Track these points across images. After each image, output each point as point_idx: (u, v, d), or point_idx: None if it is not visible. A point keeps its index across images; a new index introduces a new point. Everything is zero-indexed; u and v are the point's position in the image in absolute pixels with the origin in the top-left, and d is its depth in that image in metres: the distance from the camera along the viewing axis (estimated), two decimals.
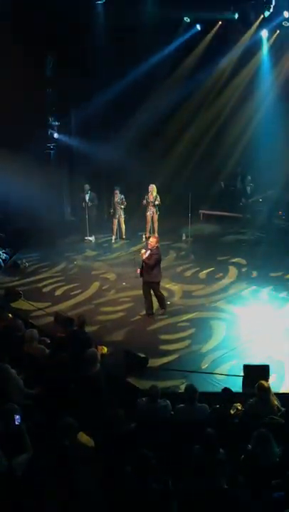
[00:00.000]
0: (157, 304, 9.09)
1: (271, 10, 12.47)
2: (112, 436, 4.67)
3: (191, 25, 14.13)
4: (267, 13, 12.69)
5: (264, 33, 13.71)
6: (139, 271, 8.94)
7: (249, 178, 13.47)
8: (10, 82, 11.96)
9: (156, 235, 13.23)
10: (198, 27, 14.20)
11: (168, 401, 5.57)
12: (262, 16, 13.01)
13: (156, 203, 12.91)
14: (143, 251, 8.95)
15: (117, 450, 4.45)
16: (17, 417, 4.20)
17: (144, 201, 13.00)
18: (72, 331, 7.42)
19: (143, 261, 8.77)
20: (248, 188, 13.44)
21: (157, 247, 8.90)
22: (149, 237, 9.70)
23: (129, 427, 4.97)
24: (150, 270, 8.73)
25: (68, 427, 4.33)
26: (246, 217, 13.63)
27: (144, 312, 9.03)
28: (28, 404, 5.43)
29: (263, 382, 5.56)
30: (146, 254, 8.76)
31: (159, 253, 8.93)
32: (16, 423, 4.19)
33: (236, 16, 13.20)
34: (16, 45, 12.01)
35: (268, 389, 5.49)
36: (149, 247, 8.89)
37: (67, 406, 5.04)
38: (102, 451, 4.44)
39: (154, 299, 9.05)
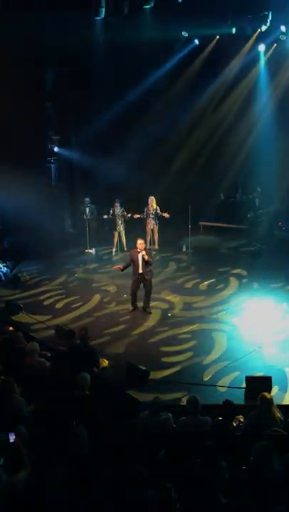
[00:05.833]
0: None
1: (268, 24, 12.66)
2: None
3: (189, 39, 14.33)
4: (264, 28, 12.87)
5: (261, 47, 13.93)
6: (120, 267, 9.80)
7: (259, 189, 13.38)
8: (10, 96, 12.08)
9: (156, 246, 13.36)
10: (196, 41, 14.41)
11: (170, 414, 5.54)
12: (259, 30, 13.20)
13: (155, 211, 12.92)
14: (144, 252, 9.38)
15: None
16: (11, 434, 4.16)
17: (144, 213, 13.04)
18: (75, 344, 7.38)
19: (146, 261, 9.32)
20: (257, 200, 13.35)
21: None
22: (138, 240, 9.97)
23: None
24: (148, 267, 9.45)
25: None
26: (247, 229, 13.63)
27: (131, 308, 9.71)
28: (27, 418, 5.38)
29: (266, 394, 5.51)
30: (143, 255, 9.30)
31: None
32: (11, 440, 4.14)
33: (233, 30, 13.37)
34: (16, 59, 12.16)
35: (271, 401, 5.45)
36: (141, 248, 9.41)
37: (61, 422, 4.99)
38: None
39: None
